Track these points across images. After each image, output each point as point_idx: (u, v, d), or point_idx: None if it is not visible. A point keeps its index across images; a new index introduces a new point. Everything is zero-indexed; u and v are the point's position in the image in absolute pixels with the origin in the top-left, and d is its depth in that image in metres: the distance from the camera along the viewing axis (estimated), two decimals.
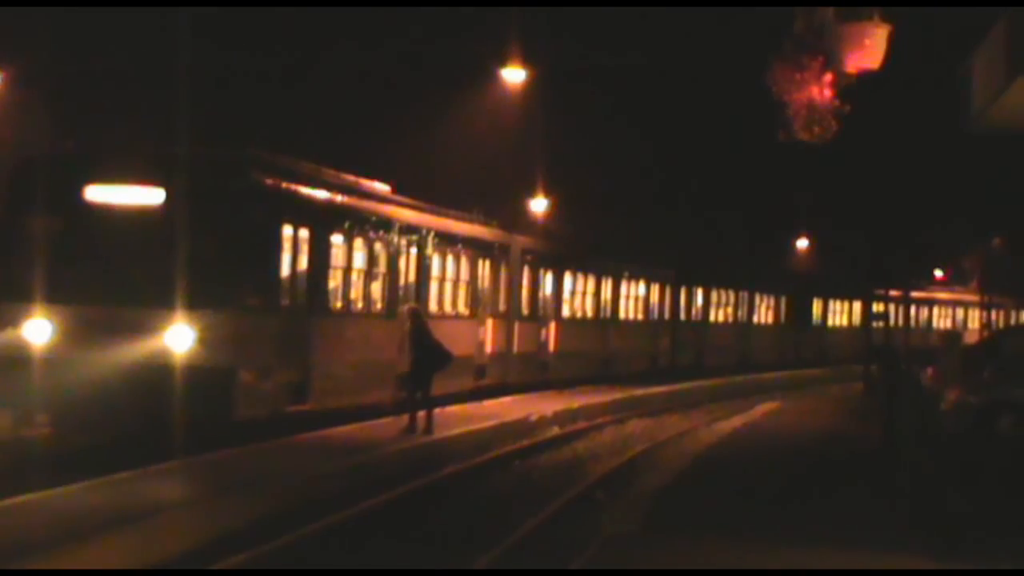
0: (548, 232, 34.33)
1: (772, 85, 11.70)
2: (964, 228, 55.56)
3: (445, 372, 21.51)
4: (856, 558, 11.80)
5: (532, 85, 32.35)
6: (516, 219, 31.96)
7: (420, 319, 20.74)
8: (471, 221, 28.98)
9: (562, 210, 46.88)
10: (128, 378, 16.86)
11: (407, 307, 21.57)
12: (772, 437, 24.64)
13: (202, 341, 17.17)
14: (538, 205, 46.55)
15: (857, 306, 64.65)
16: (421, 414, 20.54)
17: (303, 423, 19.92)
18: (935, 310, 72.74)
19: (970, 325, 71.93)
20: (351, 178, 23.41)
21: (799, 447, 22.72)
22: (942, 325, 70.19)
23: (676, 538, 13.06)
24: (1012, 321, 67.87)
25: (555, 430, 24.54)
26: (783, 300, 56.37)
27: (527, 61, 30.58)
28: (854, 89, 11.49)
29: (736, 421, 28.73)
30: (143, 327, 17.19)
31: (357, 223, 22.11)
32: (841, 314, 64.09)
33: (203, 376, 16.98)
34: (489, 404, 26.74)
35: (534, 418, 25.14)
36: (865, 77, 11.41)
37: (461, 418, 23.69)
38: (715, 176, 55.20)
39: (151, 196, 18.05)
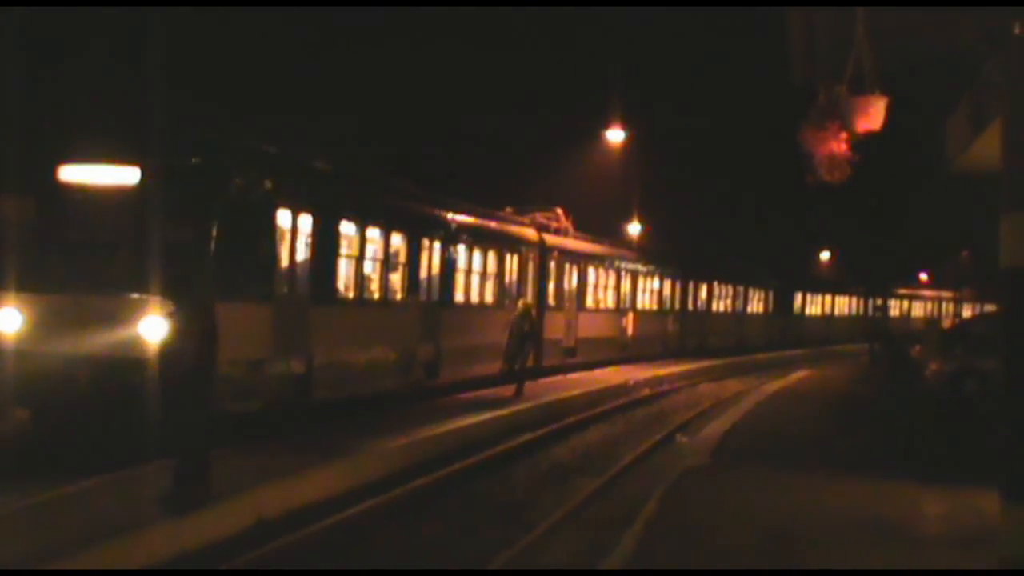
0: (577, 233, 34.63)
1: (802, 141, 13.75)
2: (941, 244, 70.04)
3: (479, 358, 25.50)
4: (862, 482, 14.26)
5: (628, 142, 44.33)
6: (548, 222, 32.93)
7: (531, 311, 25.56)
8: (499, 219, 29.20)
9: (655, 233, 56.40)
10: (99, 371, 14.91)
11: (522, 302, 25.95)
12: (803, 396, 28.06)
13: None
14: (633, 228, 54.42)
15: (828, 299, 70.14)
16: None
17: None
18: (921, 304, 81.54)
19: (945, 314, 79.91)
20: (369, 170, 22.13)
21: (823, 402, 25.76)
22: (925, 314, 77.95)
23: (734, 468, 15.64)
24: (967, 312, 78.77)
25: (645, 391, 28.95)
26: (770, 293, 59.36)
27: (624, 124, 41.80)
28: (863, 143, 13.51)
29: (776, 384, 32.47)
30: (116, 316, 15.02)
31: (370, 212, 20.78)
32: (815, 305, 67.90)
33: None
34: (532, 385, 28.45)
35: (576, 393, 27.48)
36: (870, 135, 13.36)
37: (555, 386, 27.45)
38: (756, 204, 71.01)
39: (126, 176, 15.83)
